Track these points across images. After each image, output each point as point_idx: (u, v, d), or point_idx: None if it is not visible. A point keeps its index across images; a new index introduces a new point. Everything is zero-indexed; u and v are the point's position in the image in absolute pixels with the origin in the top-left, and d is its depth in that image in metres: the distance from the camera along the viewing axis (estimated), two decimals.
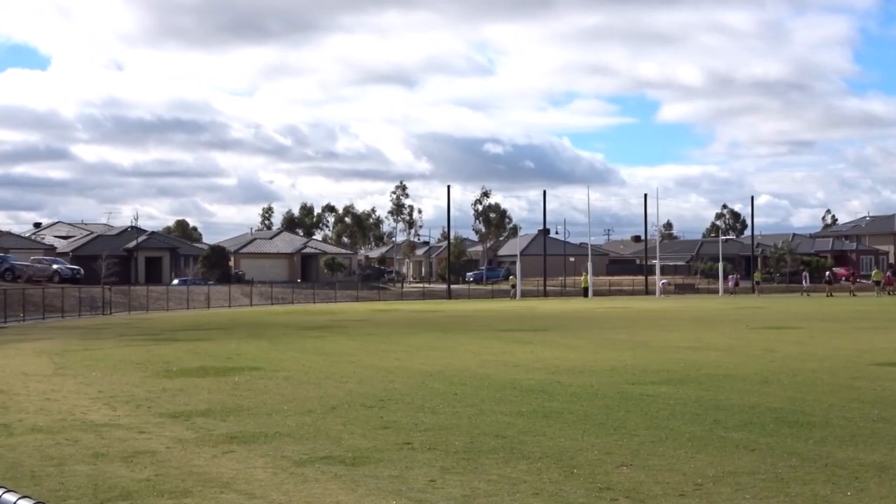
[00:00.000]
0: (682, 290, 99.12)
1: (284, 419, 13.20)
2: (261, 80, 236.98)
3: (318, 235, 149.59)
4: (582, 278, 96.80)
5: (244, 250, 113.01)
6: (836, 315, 44.13)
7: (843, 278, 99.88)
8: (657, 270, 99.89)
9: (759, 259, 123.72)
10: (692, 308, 56.15)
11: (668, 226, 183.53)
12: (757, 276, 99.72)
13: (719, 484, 8.95)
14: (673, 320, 41.30)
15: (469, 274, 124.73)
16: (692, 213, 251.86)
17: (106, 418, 13.55)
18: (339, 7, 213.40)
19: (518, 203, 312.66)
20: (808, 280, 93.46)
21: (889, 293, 79.15)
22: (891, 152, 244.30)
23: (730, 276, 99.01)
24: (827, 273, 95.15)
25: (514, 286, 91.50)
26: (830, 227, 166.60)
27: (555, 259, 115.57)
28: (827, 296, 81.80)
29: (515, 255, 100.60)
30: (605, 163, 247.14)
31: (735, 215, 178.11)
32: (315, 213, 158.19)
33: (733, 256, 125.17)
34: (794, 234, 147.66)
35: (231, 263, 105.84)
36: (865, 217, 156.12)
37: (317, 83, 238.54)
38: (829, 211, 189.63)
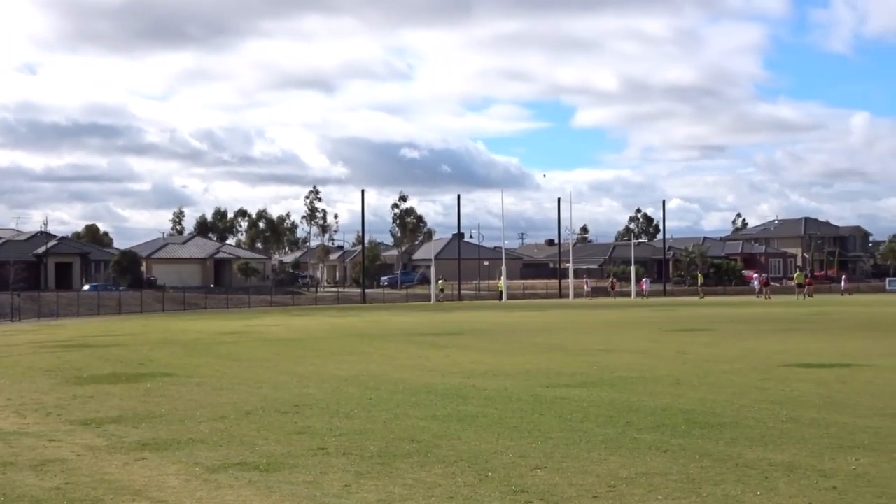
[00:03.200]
0: (595, 293, 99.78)
1: (197, 425, 13.04)
2: (178, 84, 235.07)
3: (232, 241, 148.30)
4: (497, 282, 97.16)
5: (156, 255, 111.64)
6: (748, 318, 44.63)
7: (751, 281, 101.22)
8: (570, 274, 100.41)
9: (670, 262, 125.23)
10: (605, 311, 56.53)
11: (584, 229, 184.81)
12: (699, 278, 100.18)
13: (632, 485, 9.00)
14: (587, 324, 41.52)
15: (384, 278, 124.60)
16: (606, 216, 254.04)
17: (14, 426, 13.29)
18: (259, 12, 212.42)
19: (434, 207, 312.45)
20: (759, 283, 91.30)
21: (808, 295, 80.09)
22: (799, 157, 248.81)
23: (644, 280, 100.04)
24: (762, 276, 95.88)
25: (442, 290, 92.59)
26: (740, 231, 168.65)
27: (469, 263, 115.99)
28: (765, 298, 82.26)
29: (430, 259, 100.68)
30: (520, 167, 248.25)
31: (648, 219, 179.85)
32: (228, 218, 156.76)
33: (646, 260, 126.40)
34: (705, 238, 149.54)
35: (143, 269, 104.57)
36: (774, 220, 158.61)
37: (235, 88, 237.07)
38: (739, 214, 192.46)
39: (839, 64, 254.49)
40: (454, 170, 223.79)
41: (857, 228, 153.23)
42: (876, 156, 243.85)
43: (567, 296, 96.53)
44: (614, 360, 22.13)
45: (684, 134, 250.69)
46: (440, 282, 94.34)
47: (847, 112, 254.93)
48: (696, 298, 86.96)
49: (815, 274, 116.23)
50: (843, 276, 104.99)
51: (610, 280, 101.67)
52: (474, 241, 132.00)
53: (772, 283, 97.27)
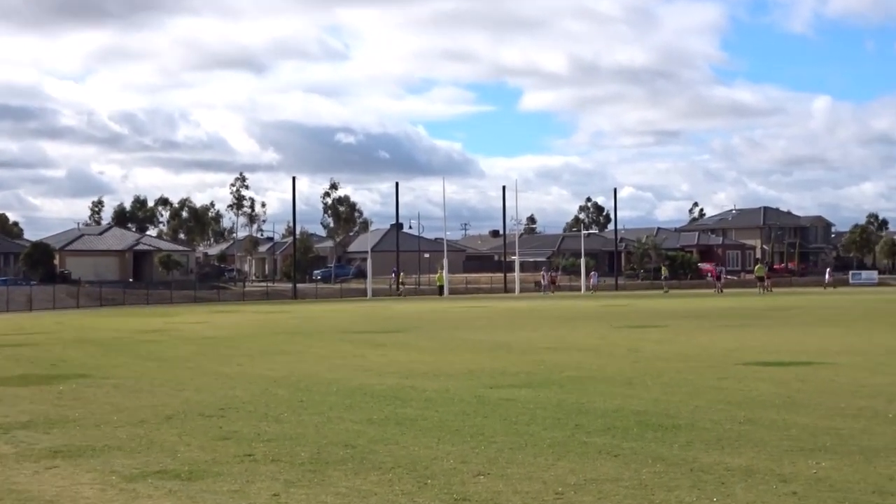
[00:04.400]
0: (548, 285, 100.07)
1: (114, 431, 12.92)
2: (96, 63, 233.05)
3: (153, 231, 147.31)
4: (437, 276, 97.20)
5: (71, 247, 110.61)
6: (704, 312, 45.08)
7: (708, 274, 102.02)
8: (516, 267, 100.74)
9: (622, 254, 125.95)
10: (554, 307, 56.82)
11: (531, 220, 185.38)
12: (664, 271, 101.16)
13: (581, 492, 9.01)
14: (534, 320, 41.70)
15: (316, 272, 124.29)
16: (554, 206, 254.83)
17: None
18: None
19: (370, 196, 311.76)
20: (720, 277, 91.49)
21: (767, 289, 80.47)
22: (757, 143, 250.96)
23: (592, 273, 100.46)
24: (716, 270, 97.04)
25: (402, 283, 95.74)
26: (697, 221, 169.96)
27: (409, 255, 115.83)
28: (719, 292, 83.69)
29: (366, 252, 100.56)
30: (463, 153, 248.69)
31: (598, 208, 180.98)
32: (149, 207, 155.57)
33: (596, 252, 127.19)
34: (659, 229, 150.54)
35: (56, 262, 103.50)
36: (732, 210, 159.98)
37: (157, 68, 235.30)
38: (696, 204, 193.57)
39: (799, 45, 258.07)
40: (392, 156, 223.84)
41: (819, 219, 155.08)
42: (837, 142, 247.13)
43: (513, 290, 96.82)
44: (562, 359, 22.19)
45: (636, 118, 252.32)
46: (402, 274, 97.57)
47: (807, 96, 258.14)
48: (656, 293, 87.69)
49: (775, 267, 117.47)
50: (828, 269, 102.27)
51: (549, 273, 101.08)
52: (414, 231, 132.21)
53: (727, 277, 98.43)
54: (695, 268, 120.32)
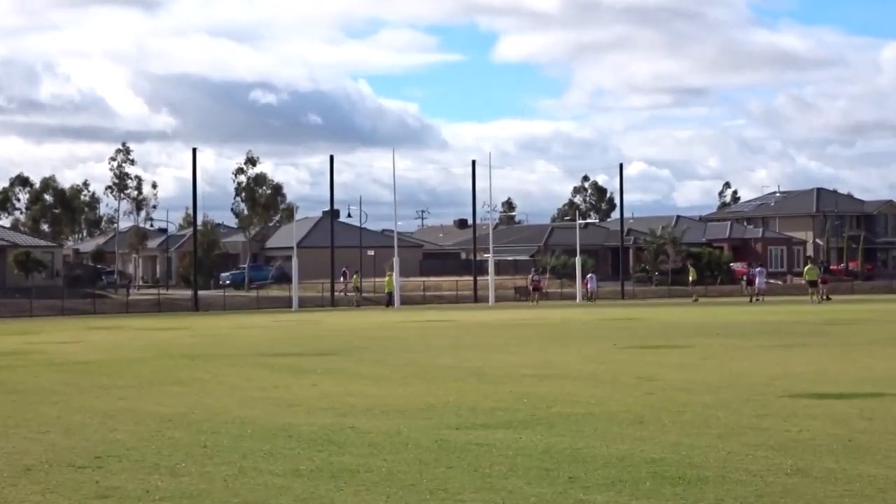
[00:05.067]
0: (524, 294, 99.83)
1: None
2: None
3: (6, 221, 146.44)
4: (387, 280, 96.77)
5: None
6: (739, 328, 45.11)
7: (743, 277, 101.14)
8: (490, 268, 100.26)
9: (630, 251, 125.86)
10: (540, 320, 56.69)
11: (509, 205, 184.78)
12: (692, 273, 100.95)
13: None
14: (514, 337, 41.73)
15: (225, 274, 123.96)
16: (541, 187, 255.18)
17: None
18: None
19: (297, 174, 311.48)
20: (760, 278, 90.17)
21: (822, 297, 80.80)
22: (808, 104, 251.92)
23: (589, 276, 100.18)
24: (749, 271, 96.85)
25: (357, 288, 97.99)
26: (729, 208, 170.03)
27: (347, 252, 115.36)
28: (751, 301, 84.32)
29: (291, 248, 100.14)
30: (419, 118, 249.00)
31: (599, 190, 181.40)
32: (2, 189, 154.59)
33: (597, 248, 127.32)
34: (679, 217, 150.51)
35: None
36: (775, 193, 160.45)
37: (13, 4, 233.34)
38: (727, 185, 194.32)
39: None
40: (326, 121, 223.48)
41: (890, 204, 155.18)
42: None
43: (486, 299, 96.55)
44: (551, 389, 22.10)
45: (649, 72, 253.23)
46: (354, 276, 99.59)
47: (874, 42, 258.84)
48: (680, 301, 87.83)
49: (832, 267, 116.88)
50: None
51: (530, 277, 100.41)
52: (354, 221, 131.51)
53: (769, 281, 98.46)
54: (726, 268, 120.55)
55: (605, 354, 32.00)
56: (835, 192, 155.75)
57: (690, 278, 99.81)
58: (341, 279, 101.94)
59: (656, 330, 44.94)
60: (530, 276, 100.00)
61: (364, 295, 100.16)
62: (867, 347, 33.18)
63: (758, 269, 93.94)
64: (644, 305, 79.52)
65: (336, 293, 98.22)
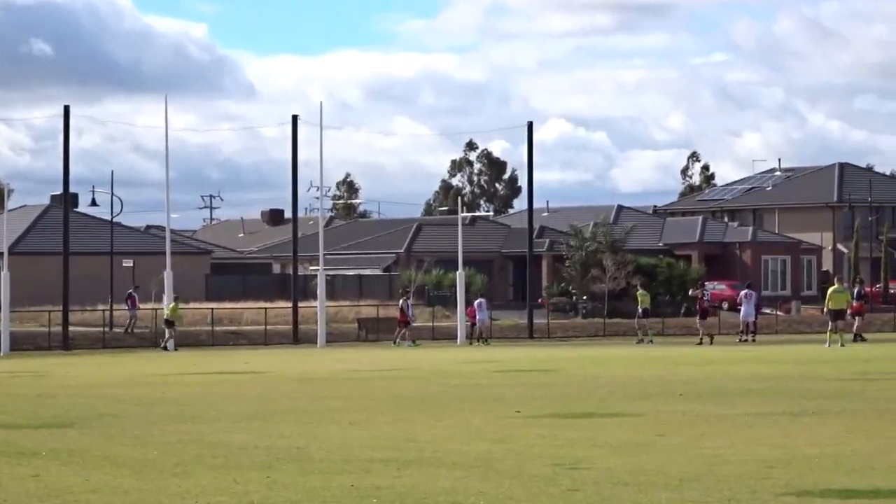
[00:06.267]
0: (373, 329, 78.66)
1: None
2: None
3: None
4: (171, 307, 73.17)
5: None
6: (716, 385, 37.58)
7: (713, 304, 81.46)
8: (320, 287, 76.96)
9: (544, 262, 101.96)
10: (397, 370, 47.46)
11: (351, 187, 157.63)
12: (642, 298, 73.34)
13: None
14: (360, 399, 35.27)
15: None
16: (402, 160, 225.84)
17: None
18: None
19: (10, 136, 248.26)
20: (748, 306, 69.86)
21: (857, 337, 63.36)
22: (827, 29, 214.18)
23: (478, 302, 78.50)
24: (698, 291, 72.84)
25: (171, 322, 71.78)
26: (699, 194, 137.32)
27: (90, 262, 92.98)
28: (699, 342, 66.46)
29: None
30: (209, 47, 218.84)
31: (495, 166, 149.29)
32: None
33: (491, 257, 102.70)
34: (622, 208, 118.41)
35: None
36: (774, 173, 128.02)
37: None
38: (694, 157, 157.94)
39: None
40: (59, 52, 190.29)
41: None
42: None
43: (313, 337, 76.37)
44: (418, 483, 17.71)
45: None
46: (171, 304, 72.54)
47: None
48: (622, 341, 73.86)
49: (866, 290, 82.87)
50: None
51: (402, 302, 75.62)
52: (104, 211, 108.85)
53: (762, 313, 79.22)
54: (697, 288, 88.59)
55: (504, 427, 26.30)
56: (869, 169, 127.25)
57: (640, 307, 73.78)
58: (127, 305, 79.49)
59: (585, 388, 37.74)
60: (402, 302, 76.34)
61: (101, 328, 78.13)
62: None
63: (745, 292, 71.90)
64: (565, 347, 70.63)
65: (117, 328, 78.00)
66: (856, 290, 65.88)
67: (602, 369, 46.91)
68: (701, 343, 64.50)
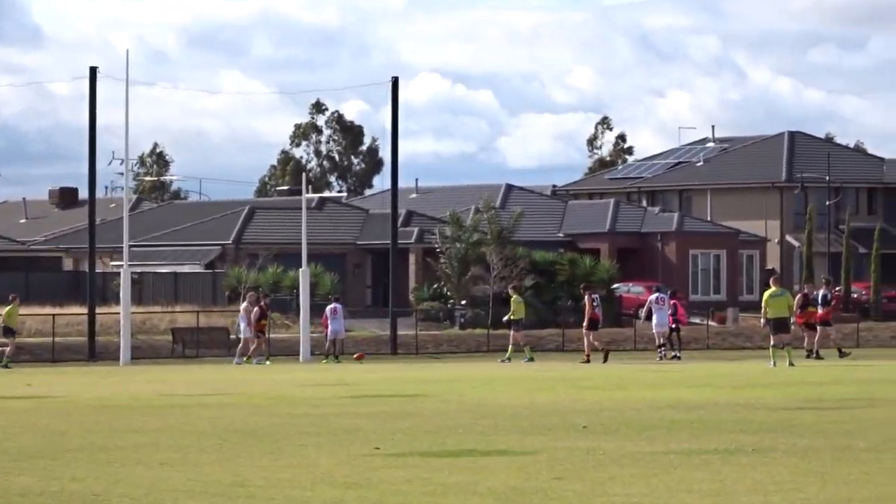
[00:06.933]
0: (192, 343, 68.11)
1: None
2: None
3: None
4: (6, 311, 59.05)
5: None
6: (630, 415, 31.18)
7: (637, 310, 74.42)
8: (123, 289, 65.27)
9: (412, 256, 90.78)
10: (229, 395, 41.04)
11: (160, 158, 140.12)
12: (516, 305, 57.38)
13: None
14: (172, 433, 28.89)
15: None
16: (228, 126, 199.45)
17: None
18: None
19: None
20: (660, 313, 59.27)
21: (812, 353, 55.82)
22: None
23: (332, 307, 67.46)
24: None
25: (11, 330, 61.18)
26: (611, 171, 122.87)
27: None
28: (585, 359, 56.81)
29: None
30: None
31: (349, 132, 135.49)
32: None
33: (344, 250, 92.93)
34: (511, 188, 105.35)
35: None
36: (706, 143, 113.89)
37: None
38: (607, 124, 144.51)
39: None
40: None
41: None
42: None
43: (116, 354, 65.33)
44: None
45: None
46: (8, 308, 61.10)
47: None
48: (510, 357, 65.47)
49: (834, 293, 74.82)
50: None
51: (245, 306, 63.20)
52: None
53: (688, 322, 71.77)
54: (585, 291, 79.33)
55: (359, 469, 21.47)
56: (828, 140, 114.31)
57: (513, 317, 61.94)
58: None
59: (463, 419, 31.32)
60: (245, 305, 64.58)
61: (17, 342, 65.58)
62: (882, 455, 21.67)
63: (655, 297, 62.12)
64: (438, 366, 62.93)
65: None
66: (821, 294, 57.09)
67: (485, 394, 41.13)
68: (588, 360, 55.53)
